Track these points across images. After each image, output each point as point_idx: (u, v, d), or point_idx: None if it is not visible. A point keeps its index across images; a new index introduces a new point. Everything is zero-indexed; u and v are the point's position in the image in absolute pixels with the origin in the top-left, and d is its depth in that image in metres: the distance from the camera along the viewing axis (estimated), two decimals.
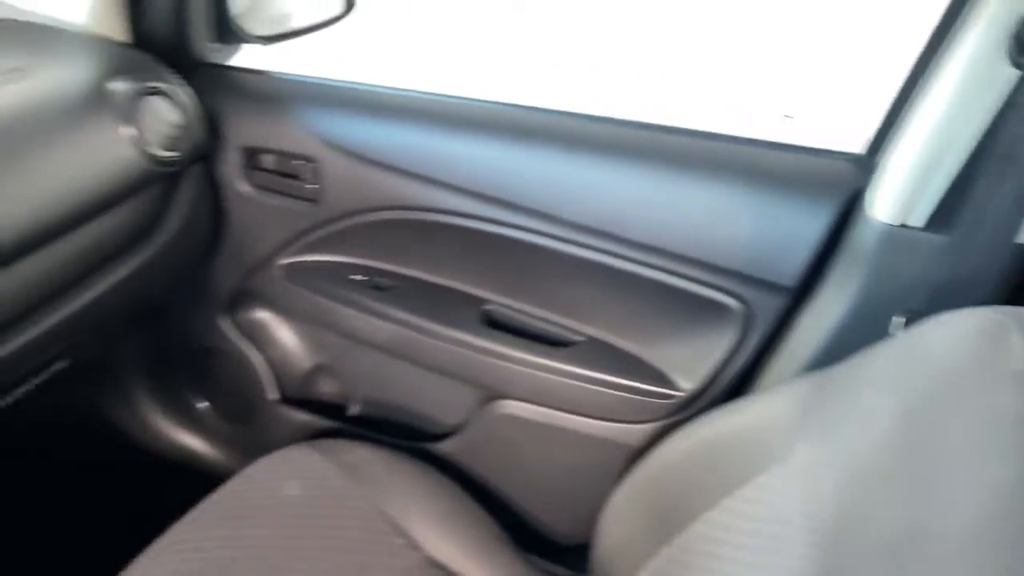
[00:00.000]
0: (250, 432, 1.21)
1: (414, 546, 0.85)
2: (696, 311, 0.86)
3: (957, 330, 0.56)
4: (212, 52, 1.00)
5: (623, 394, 0.89)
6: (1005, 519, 0.44)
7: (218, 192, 1.02)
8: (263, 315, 1.13)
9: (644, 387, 0.88)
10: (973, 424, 0.50)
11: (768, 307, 0.83)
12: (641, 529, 0.76)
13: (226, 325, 1.14)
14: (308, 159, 0.97)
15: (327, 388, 1.15)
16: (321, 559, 0.82)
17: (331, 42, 1.05)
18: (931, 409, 0.53)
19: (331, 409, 1.15)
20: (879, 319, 0.73)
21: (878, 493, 0.53)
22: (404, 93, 0.97)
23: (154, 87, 0.88)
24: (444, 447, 1.05)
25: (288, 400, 1.16)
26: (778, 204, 0.80)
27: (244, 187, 1.01)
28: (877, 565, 0.50)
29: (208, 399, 1.25)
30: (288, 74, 1.01)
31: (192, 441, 1.27)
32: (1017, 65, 0.63)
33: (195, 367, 1.22)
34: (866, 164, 0.77)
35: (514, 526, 0.96)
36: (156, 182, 0.91)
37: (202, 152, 0.96)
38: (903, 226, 0.72)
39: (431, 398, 1.06)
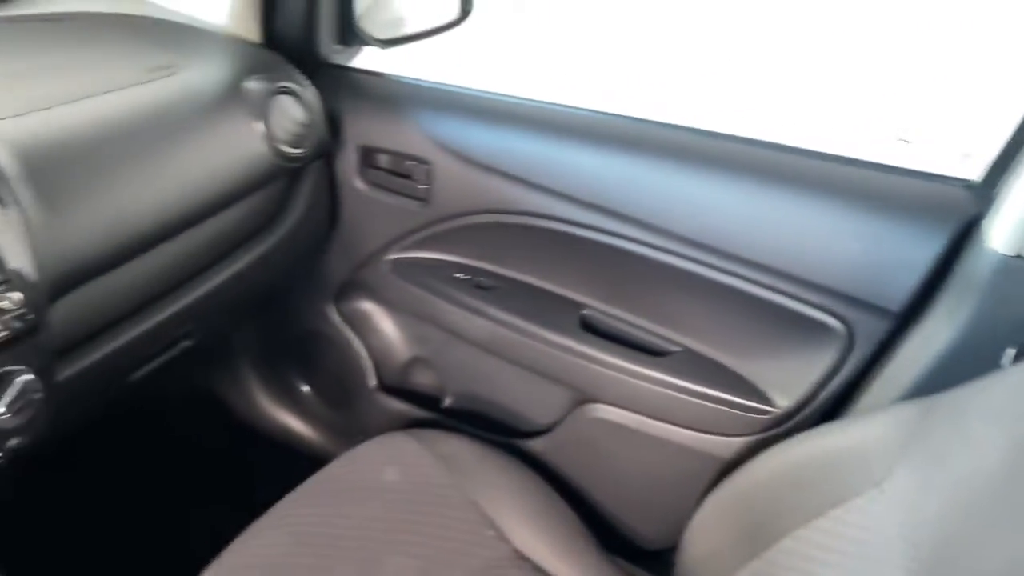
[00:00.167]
0: (349, 417, 1.26)
1: (503, 538, 0.87)
2: (797, 329, 0.86)
3: None
4: (335, 53, 1.05)
5: (717, 406, 0.89)
6: None
7: (335, 188, 1.08)
8: (368, 306, 1.17)
9: (739, 401, 0.89)
10: None
11: (871, 330, 0.82)
12: (729, 541, 0.77)
13: (333, 314, 1.19)
14: (421, 160, 1.00)
15: (424, 379, 1.19)
16: (416, 543, 0.85)
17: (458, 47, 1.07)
18: None
19: (427, 400, 1.18)
20: (989, 350, 0.72)
21: (983, 524, 0.53)
22: (515, 100, 1.00)
23: (284, 86, 0.94)
24: (535, 445, 1.07)
25: (386, 388, 1.20)
26: (889, 228, 0.79)
27: (360, 184, 1.06)
28: None
29: (311, 384, 1.31)
30: (405, 77, 1.06)
31: (294, 423, 1.33)
32: None
33: (301, 353, 1.28)
34: (982, 192, 0.76)
35: (598, 527, 0.97)
36: (281, 176, 0.97)
37: (324, 150, 1.02)
38: (1019, 256, 0.70)
39: (524, 396, 1.09)
